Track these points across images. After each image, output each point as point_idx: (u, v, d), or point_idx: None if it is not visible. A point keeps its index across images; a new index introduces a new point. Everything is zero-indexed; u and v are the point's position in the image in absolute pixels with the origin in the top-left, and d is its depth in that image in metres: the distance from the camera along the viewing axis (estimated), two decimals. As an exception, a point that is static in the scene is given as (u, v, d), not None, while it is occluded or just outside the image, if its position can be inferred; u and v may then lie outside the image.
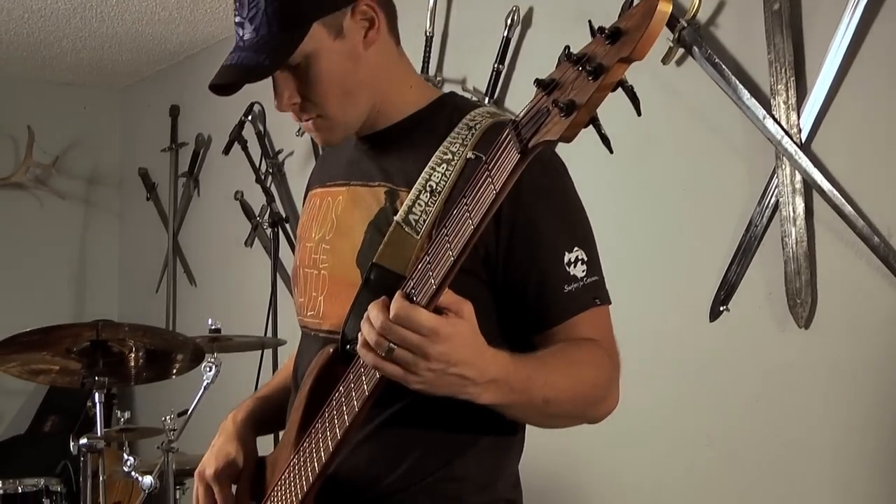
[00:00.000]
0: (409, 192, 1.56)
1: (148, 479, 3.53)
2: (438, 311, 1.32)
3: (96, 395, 3.21)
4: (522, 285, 1.54)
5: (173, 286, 5.97)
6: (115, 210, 6.67)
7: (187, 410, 3.73)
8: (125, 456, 3.68)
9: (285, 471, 1.66)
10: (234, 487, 1.81)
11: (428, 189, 1.52)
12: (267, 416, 1.89)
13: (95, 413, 3.28)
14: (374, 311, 1.33)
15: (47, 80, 6.33)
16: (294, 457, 1.62)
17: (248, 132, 5.10)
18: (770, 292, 2.89)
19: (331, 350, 1.59)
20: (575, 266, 1.53)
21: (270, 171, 5.07)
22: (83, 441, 3.16)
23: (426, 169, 1.55)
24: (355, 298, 1.54)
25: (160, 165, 6.08)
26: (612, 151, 1.13)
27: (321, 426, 1.55)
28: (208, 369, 3.62)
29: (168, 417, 3.74)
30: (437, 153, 1.55)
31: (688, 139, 3.12)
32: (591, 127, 1.15)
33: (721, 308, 2.99)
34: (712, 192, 3.08)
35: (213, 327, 3.82)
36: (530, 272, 1.53)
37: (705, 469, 3.03)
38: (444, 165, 1.53)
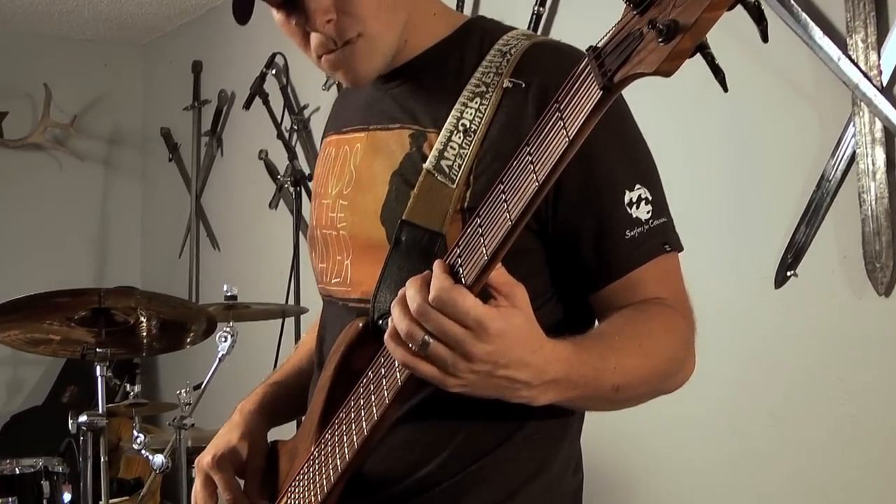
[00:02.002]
0: (438, 134, 1.41)
1: (159, 459, 3.38)
2: (485, 294, 1.16)
3: (98, 367, 2.96)
4: (575, 233, 1.39)
5: (196, 251, 5.89)
6: (137, 172, 6.62)
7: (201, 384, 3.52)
8: (135, 433, 3.47)
9: (305, 464, 1.51)
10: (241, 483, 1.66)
11: (461, 128, 1.39)
12: (281, 404, 1.74)
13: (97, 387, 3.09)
14: (411, 291, 1.17)
15: (64, 36, 6.24)
16: (315, 449, 1.48)
17: (272, 86, 4.92)
18: (845, 255, 2.71)
19: (360, 325, 1.45)
20: (637, 206, 1.37)
21: (295, 127, 4.89)
22: (82, 418, 2.93)
23: (457, 105, 1.41)
24: (385, 263, 1.40)
25: (183, 124, 6.00)
26: (726, 89, 0.96)
27: (346, 417, 1.40)
28: (223, 339, 3.44)
29: (183, 391, 3.56)
30: (468, 86, 1.41)
31: (750, 85, 2.92)
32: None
33: (788, 273, 2.81)
34: (778, 144, 2.90)
35: (229, 294, 3.59)
36: (584, 216, 1.38)
37: (768, 453, 2.87)
38: (478, 100, 1.40)
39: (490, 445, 1.44)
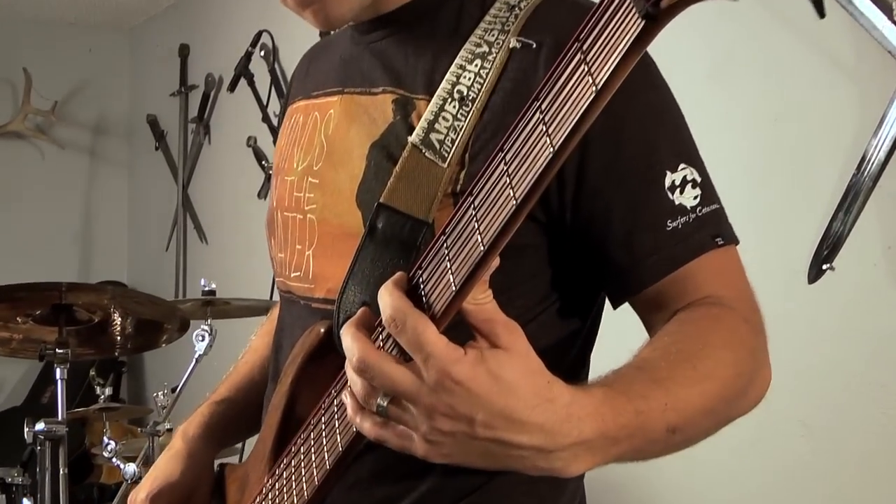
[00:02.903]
0: (428, 102, 1.20)
1: (131, 468, 3.22)
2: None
3: (57, 370, 2.71)
4: (602, 227, 1.17)
5: (183, 244, 5.75)
6: (122, 161, 6.51)
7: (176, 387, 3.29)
8: (105, 440, 3.24)
9: (257, 497, 1.32)
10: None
11: (456, 96, 1.18)
12: (230, 425, 1.56)
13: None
14: (347, 339, 0.96)
15: (47, 19, 6.10)
16: (268, 481, 1.29)
17: (260, 68, 4.78)
18: (889, 246, 2.50)
19: (321, 331, 1.25)
20: (682, 191, 1.16)
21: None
22: (39, 426, 2.66)
23: (452, 68, 1.20)
24: (356, 255, 1.19)
25: (169, 111, 5.88)
26: (822, 15, 0.74)
27: (304, 445, 1.20)
28: (200, 338, 3.20)
29: (161, 393, 3.34)
30: (466, 45, 1.20)
31: (781, 57, 2.74)
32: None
33: (824, 266, 2.58)
34: (813, 123, 2.68)
35: (207, 289, 3.34)
36: (614, 206, 1.16)
37: (798, 467, 2.65)
38: (479, 62, 1.18)
39: (479, 479, 1.23)
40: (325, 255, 1.29)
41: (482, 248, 0.86)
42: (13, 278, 3.39)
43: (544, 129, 0.82)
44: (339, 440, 1.08)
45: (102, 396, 3.55)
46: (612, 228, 1.16)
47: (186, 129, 5.70)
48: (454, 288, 0.88)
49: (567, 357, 1.26)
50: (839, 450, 2.57)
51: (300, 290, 1.33)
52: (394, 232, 1.17)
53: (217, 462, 1.55)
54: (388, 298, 0.91)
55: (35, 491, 2.91)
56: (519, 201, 0.83)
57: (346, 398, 0.99)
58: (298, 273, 1.33)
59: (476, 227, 0.87)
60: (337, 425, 1.09)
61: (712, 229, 1.17)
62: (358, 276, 1.18)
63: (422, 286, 0.92)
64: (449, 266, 0.89)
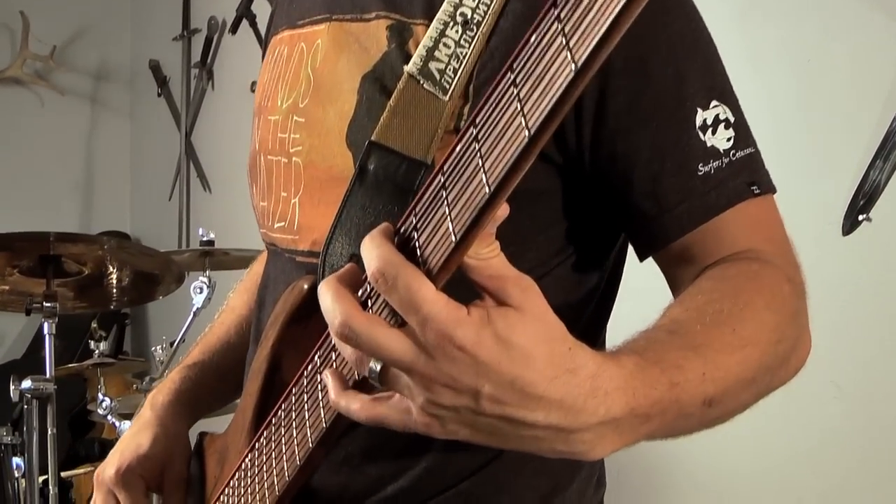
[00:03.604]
0: (427, 27, 1.07)
1: (126, 426, 3.04)
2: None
3: (45, 324, 2.57)
4: (625, 170, 1.05)
5: (186, 192, 5.64)
6: (124, 108, 6.39)
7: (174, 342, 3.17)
8: (100, 396, 3.12)
9: (235, 474, 1.20)
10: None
11: (459, 19, 1.05)
12: (205, 391, 1.45)
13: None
14: (326, 299, 0.80)
15: None
16: (248, 455, 1.16)
17: (264, 8, 4.53)
18: None
19: (305, 287, 1.12)
20: (714, 131, 1.04)
21: (289, 53, 4.49)
22: (26, 384, 2.52)
23: None
24: (344, 201, 1.08)
25: (172, 56, 5.75)
26: None
27: (286, 418, 1.06)
28: (198, 291, 3.06)
29: (159, 347, 3.22)
30: None
31: None
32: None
33: (860, 218, 2.47)
34: (850, 65, 2.56)
35: (205, 239, 3.20)
36: (638, 144, 1.04)
37: (831, 427, 2.55)
38: None
39: (484, 456, 1.12)
40: (313, 202, 1.16)
41: (487, 190, 0.71)
42: (12, 229, 3.29)
43: (563, 41, 0.68)
44: (322, 415, 0.95)
45: (97, 352, 3.42)
46: (636, 172, 1.04)
47: (189, 75, 5.57)
48: (454, 239, 0.72)
49: (583, 318, 1.13)
50: (873, 412, 2.47)
51: (283, 242, 1.21)
52: (387, 174, 1.03)
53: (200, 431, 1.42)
54: (375, 250, 0.75)
55: (24, 450, 2.79)
56: (532, 132, 0.68)
57: (327, 378, 0.85)
58: (283, 223, 1.21)
59: (480, 164, 0.72)
60: (320, 397, 0.95)
61: (747, 176, 1.05)
62: (346, 226, 1.05)
63: (415, 237, 0.76)
64: (448, 212, 0.73)
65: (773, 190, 1.08)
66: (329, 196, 1.11)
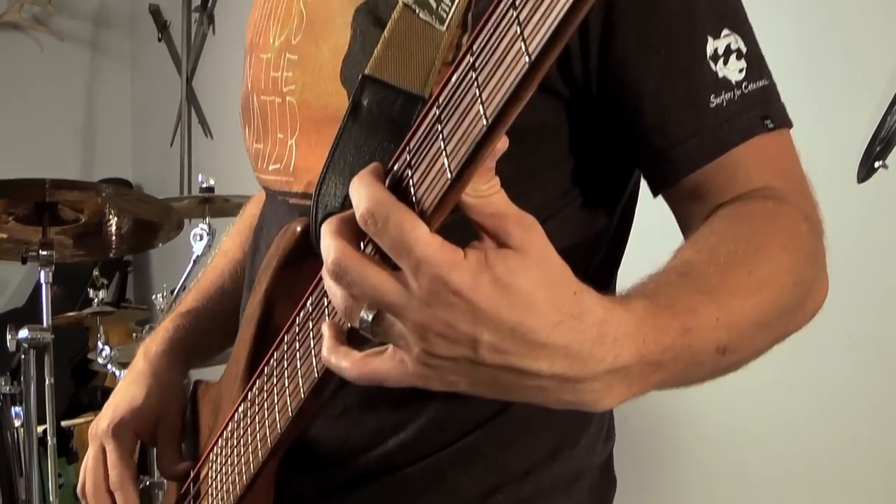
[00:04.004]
0: None
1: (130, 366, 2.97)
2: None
3: (42, 273, 2.52)
4: (632, 101, 1.00)
5: (188, 139, 5.56)
6: (124, 53, 6.30)
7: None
8: (100, 345, 3.08)
9: (228, 425, 1.15)
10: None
11: None
12: (199, 339, 1.40)
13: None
14: (326, 238, 0.75)
15: None
16: (241, 404, 1.12)
17: None
18: None
19: (298, 230, 1.08)
20: (725, 61, 0.99)
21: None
22: (23, 333, 2.48)
23: None
24: (337, 138, 1.02)
25: (172, 0, 5.64)
26: None
27: (278, 367, 1.02)
28: (197, 238, 3.01)
29: (160, 295, 3.18)
30: None
31: None
32: None
33: (876, 164, 2.38)
34: (866, 4, 2.49)
35: (205, 185, 3.15)
36: (647, 75, 0.99)
37: (843, 378, 2.51)
38: None
39: (490, 409, 1.08)
40: (309, 144, 1.11)
41: (485, 121, 0.65)
42: (12, 177, 3.24)
43: None
44: (314, 364, 0.90)
45: (96, 300, 3.38)
46: (644, 104, 0.99)
47: (190, 19, 5.48)
48: (450, 175, 0.67)
49: (592, 263, 1.08)
50: (887, 364, 2.43)
51: (277, 184, 1.16)
52: (382, 110, 0.98)
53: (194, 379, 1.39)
54: (363, 190, 0.70)
55: (23, 400, 2.76)
56: (533, 58, 0.62)
57: (324, 330, 0.79)
58: (278, 165, 1.16)
59: (477, 94, 0.66)
60: (312, 345, 0.90)
61: (761, 109, 1.00)
62: (340, 165, 0.99)
63: (408, 174, 0.71)
64: (443, 146, 0.68)
65: (789, 124, 1.03)
66: (326, 136, 1.05)
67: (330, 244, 0.72)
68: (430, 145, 0.69)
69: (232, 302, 1.33)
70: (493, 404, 1.06)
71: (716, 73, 0.98)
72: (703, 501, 2.79)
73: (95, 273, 5.21)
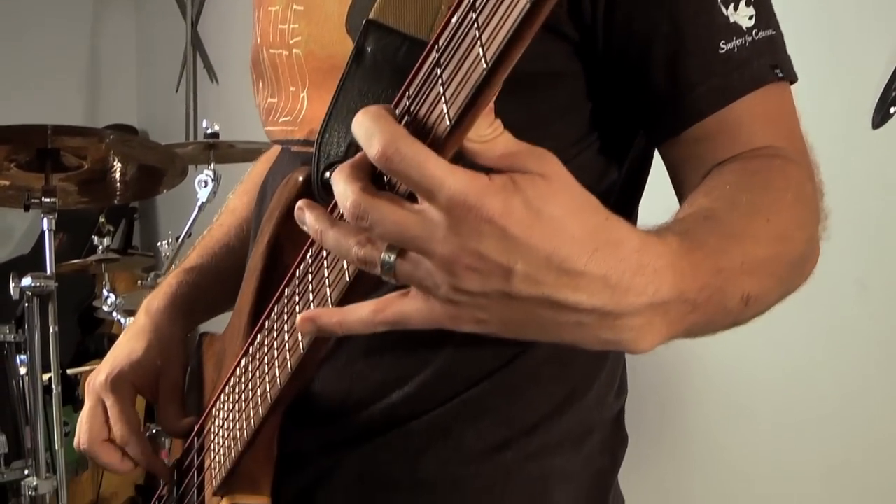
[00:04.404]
0: None
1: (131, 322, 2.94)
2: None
3: (44, 220, 2.49)
4: (641, 45, 0.97)
5: (193, 84, 5.50)
6: None
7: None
8: (105, 293, 3.06)
9: (230, 379, 1.12)
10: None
11: None
12: (201, 295, 1.36)
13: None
14: (339, 184, 0.70)
15: None
16: (243, 358, 1.08)
17: None
18: None
19: (300, 179, 1.06)
20: (736, 7, 0.96)
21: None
22: (26, 281, 2.46)
23: None
24: (340, 85, 0.97)
25: None
26: None
27: (279, 321, 0.98)
28: (202, 185, 2.98)
29: (166, 242, 3.16)
30: None
31: None
32: None
33: (892, 109, 2.37)
34: None
35: (210, 131, 3.11)
36: (657, 19, 0.96)
37: (853, 326, 2.47)
38: None
39: (496, 361, 1.04)
40: (320, 95, 1.07)
41: (485, 65, 0.62)
42: (17, 123, 3.21)
43: None
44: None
45: (101, 247, 3.36)
46: (653, 49, 0.96)
47: (195, -43, 5.41)
48: (449, 122, 0.64)
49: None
50: None
51: (282, 133, 1.13)
52: (386, 56, 0.93)
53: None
54: (377, 125, 0.66)
55: (27, 348, 2.74)
56: None
57: (312, 313, 0.76)
58: (288, 118, 1.13)
59: (477, 35, 0.63)
60: (311, 298, 0.87)
61: (770, 58, 0.96)
62: (342, 112, 0.95)
63: (407, 120, 0.68)
64: (442, 91, 0.65)
65: (794, 78, 0.99)
66: (333, 86, 1.01)
67: (346, 188, 0.68)
68: (429, 91, 0.66)
69: (236, 260, 1.30)
70: (501, 356, 1.04)
71: (727, 17, 0.94)
72: (711, 450, 2.78)
73: (101, 220, 5.18)
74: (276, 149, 1.36)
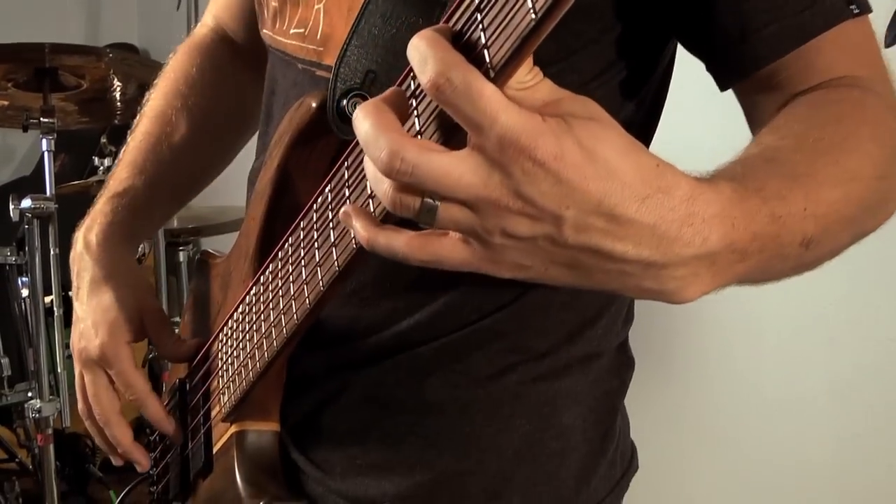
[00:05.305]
0: None
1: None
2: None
3: (44, 141, 2.44)
4: None
5: (195, 1, 5.25)
6: None
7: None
8: None
9: (239, 307, 1.09)
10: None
11: None
12: (140, 215, 1.28)
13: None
14: (369, 116, 0.65)
15: None
16: (253, 287, 1.06)
17: None
18: None
19: (313, 105, 0.97)
20: None
21: None
22: (26, 203, 2.41)
23: None
24: (363, 8, 0.91)
25: None
26: None
27: (294, 252, 0.95)
28: None
29: None
30: None
31: None
32: None
33: None
34: None
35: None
36: None
37: (859, 268, 2.31)
38: None
39: (509, 294, 1.01)
40: (341, 10, 0.99)
41: (533, 15, 0.57)
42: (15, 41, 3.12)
43: None
44: (335, 256, 0.83)
45: (102, 168, 3.29)
46: None
47: None
48: (491, 73, 0.59)
49: None
50: None
51: (301, 52, 1.04)
52: None
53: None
54: (426, 48, 0.61)
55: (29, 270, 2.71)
56: None
57: (349, 218, 0.71)
58: (301, 30, 1.04)
59: None
60: (332, 237, 0.83)
61: None
62: (363, 36, 0.90)
63: None
64: (483, 38, 0.60)
65: (869, 9, 0.92)
66: (352, 1, 0.96)
67: (379, 139, 0.63)
68: (468, 35, 0.62)
69: (173, 172, 1.25)
70: (513, 290, 1.00)
71: None
72: (717, 374, 2.75)
73: (103, 140, 5.11)
74: (204, 40, 1.28)
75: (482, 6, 0.60)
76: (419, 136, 0.65)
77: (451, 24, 0.63)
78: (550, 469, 1.04)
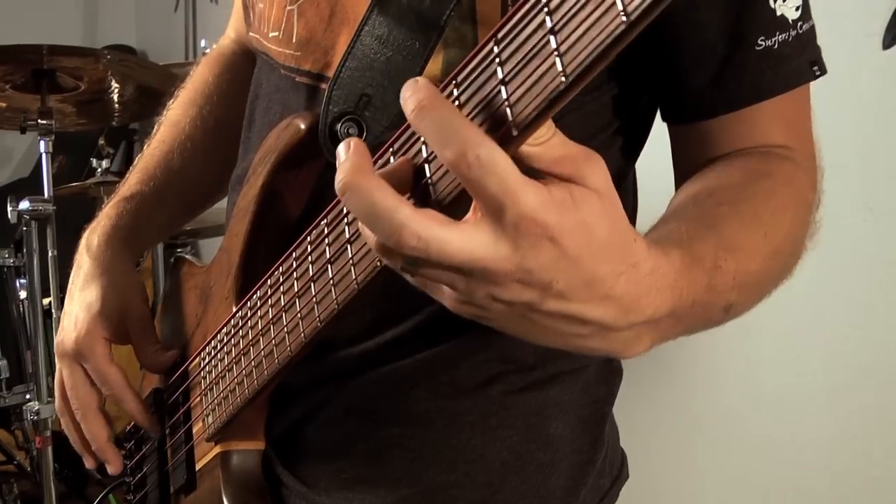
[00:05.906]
0: None
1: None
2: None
3: (42, 142, 2.44)
4: (675, 30, 0.92)
5: (192, 4, 5.38)
6: None
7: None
8: None
9: (224, 327, 1.06)
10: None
11: None
12: (145, 222, 1.28)
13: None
14: (374, 193, 0.63)
15: None
16: (240, 310, 1.02)
17: None
18: None
19: (302, 127, 0.96)
20: None
21: None
22: (24, 205, 2.42)
23: None
24: (359, 29, 0.90)
25: None
26: None
27: (286, 282, 0.91)
28: None
29: None
30: None
31: None
32: None
33: None
34: None
35: (208, 51, 3.02)
36: (704, 4, 0.91)
37: (861, 249, 2.42)
38: None
39: None
40: (316, 12, 0.98)
41: (564, 78, 0.56)
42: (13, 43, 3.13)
43: None
44: (335, 295, 0.81)
45: (100, 170, 3.30)
46: (687, 35, 0.92)
47: None
48: (514, 132, 0.59)
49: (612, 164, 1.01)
50: None
51: (281, 57, 1.04)
52: (412, 4, 0.86)
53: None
54: (459, 129, 0.59)
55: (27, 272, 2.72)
56: (633, 17, 0.53)
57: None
58: (276, 33, 1.03)
59: (553, 44, 0.56)
60: (331, 274, 0.81)
61: (812, 53, 0.93)
62: (358, 55, 0.89)
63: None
64: (505, 96, 0.59)
65: (826, 71, 0.95)
66: (335, 8, 0.95)
67: (393, 220, 0.61)
68: (487, 90, 0.60)
69: (181, 180, 1.25)
70: None
71: (773, 10, 0.90)
72: (707, 381, 2.76)
73: (101, 142, 5.12)
74: (225, 52, 1.28)
75: (503, 58, 0.59)
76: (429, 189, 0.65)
77: (466, 72, 0.62)
78: (538, 480, 1.03)
